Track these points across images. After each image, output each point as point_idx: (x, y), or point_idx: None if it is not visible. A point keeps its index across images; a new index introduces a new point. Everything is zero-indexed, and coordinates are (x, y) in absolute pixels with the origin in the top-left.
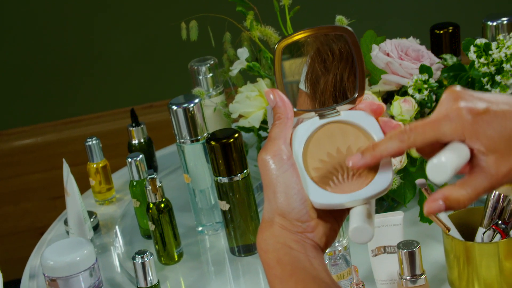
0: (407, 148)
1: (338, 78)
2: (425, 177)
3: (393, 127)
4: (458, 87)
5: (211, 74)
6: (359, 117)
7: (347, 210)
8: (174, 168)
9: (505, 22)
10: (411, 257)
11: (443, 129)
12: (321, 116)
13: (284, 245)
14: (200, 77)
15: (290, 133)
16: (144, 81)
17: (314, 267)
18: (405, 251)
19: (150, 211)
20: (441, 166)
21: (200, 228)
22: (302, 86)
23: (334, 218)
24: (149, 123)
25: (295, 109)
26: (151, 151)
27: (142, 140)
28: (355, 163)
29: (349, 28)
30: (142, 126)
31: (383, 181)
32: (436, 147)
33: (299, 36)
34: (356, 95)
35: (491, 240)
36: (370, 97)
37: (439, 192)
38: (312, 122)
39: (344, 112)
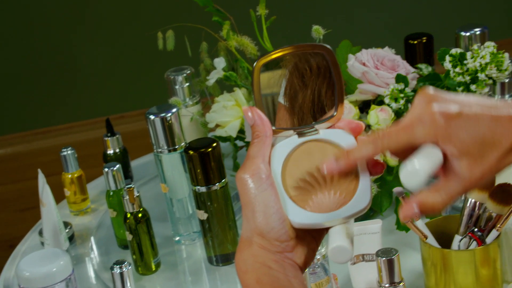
0: (380, 152)
1: (317, 94)
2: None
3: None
4: (430, 90)
5: (187, 84)
6: (338, 136)
7: (326, 229)
8: (149, 178)
9: (477, 32)
10: (390, 264)
11: (416, 133)
12: (300, 135)
13: (263, 265)
14: (177, 87)
15: (269, 152)
16: (118, 91)
17: (293, 286)
18: (383, 258)
19: (128, 221)
20: (415, 172)
21: (177, 238)
22: (281, 100)
23: (313, 237)
24: (121, 133)
25: (273, 127)
26: (126, 161)
27: (117, 150)
28: (329, 169)
29: (328, 47)
30: (117, 136)
31: (361, 200)
32: (408, 149)
33: (277, 54)
34: (335, 113)
35: (467, 248)
36: (347, 106)
37: (414, 198)
38: (290, 140)
39: (322, 131)
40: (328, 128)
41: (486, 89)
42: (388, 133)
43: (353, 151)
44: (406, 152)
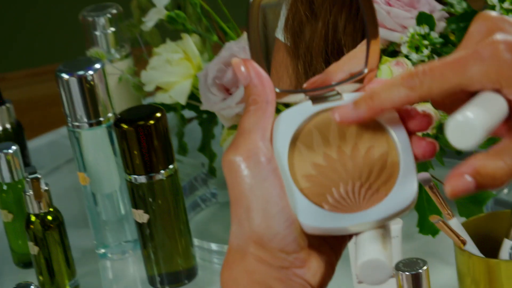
0: (419, 98)
1: (339, 42)
2: (428, 169)
3: (421, 119)
4: (493, 13)
5: (113, 29)
6: None
7: (349, 237)
8: (55, 166)
9: None
10: (416, 281)
11: (471, 72)
12: (315, 100)
13: (263, 286)
14: (97, 33)
15: (271, 124)
16: None
17: None
18: (407, 273)
19: (32, 226)
20: (468, 125)
21: (102, 251)
22: (285, 50)
23: (331, 247)
24: None
25: (277, 90)
26: (21, 142)
27: (8, 126)
28: (342, 117)
29: None
30: (7, 104)
31: (403, 194)
32: (459, 98)
33: None
34: (365, 70)
35: None
36: None
37: (467, 164)
38: (301, 108)
39: (348, 95)
40: (356, 91)
41: None
42: (430, 70)
43: (379, 94)
44: (453, 101)
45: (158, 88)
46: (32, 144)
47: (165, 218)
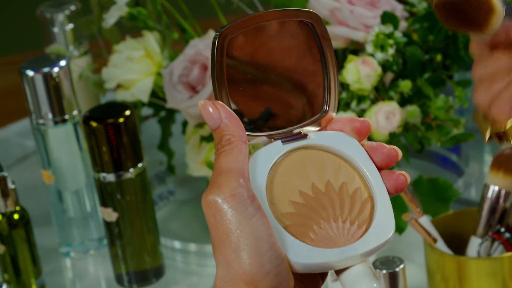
0: None
1: (300, 82)
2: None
3: (386, 153)
4: None
5: (71, 26)
6: (337, 140)
7: (322, 278)
8: (12, 163)
9: None
10: (393, 279)
11: None
12: (284, 141)
13: None
14: (56, 30)
15: (247, 164)
16: None
17: None
18: (384, 271)
19: None
20: None
21: (65, 249)
22: (248, 89)
23: (306, 286)
24: None
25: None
26: None
27: None
28: None
29: (317, 13)
30: None
31: (384, 227)
32: None
33: (248, 23)
34: (326, 108)
35: (490, 254)
36: None
37: None
38: (273, 148)
39: (314, 134)
40: (319, 130)
41: None
42: None
43: None
44: None
45: (119, 86)
46: None
47: (134, 216)
